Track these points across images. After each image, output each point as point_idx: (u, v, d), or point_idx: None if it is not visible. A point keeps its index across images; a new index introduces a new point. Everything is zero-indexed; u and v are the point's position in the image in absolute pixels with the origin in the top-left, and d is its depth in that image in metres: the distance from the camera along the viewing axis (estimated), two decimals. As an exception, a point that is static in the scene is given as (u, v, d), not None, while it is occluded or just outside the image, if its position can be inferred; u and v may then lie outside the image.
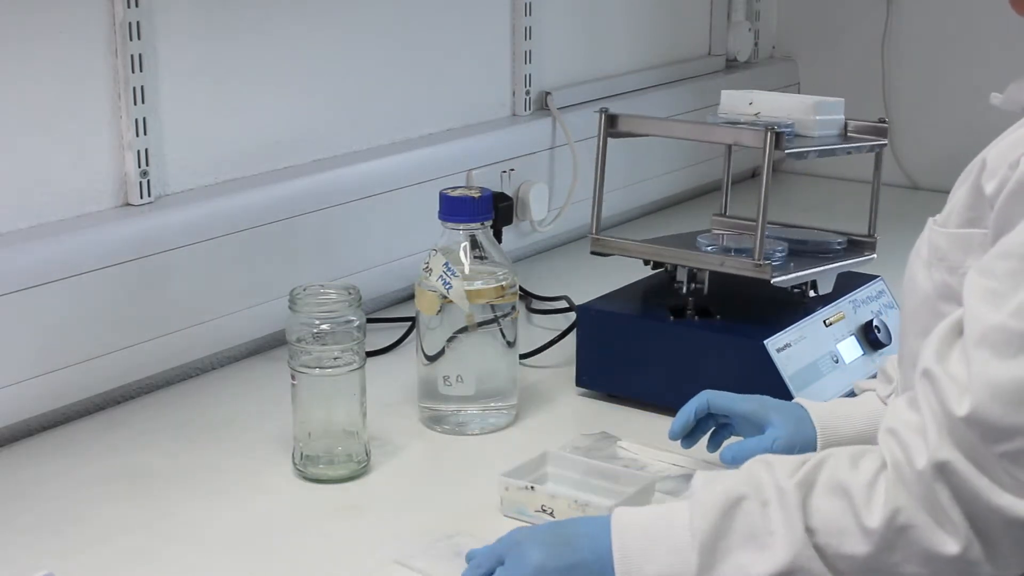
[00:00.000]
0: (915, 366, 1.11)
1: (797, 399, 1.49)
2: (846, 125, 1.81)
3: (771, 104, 1.80)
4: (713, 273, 1.69)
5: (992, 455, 1.02)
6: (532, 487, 1.40)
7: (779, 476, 1.11)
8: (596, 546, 1.16)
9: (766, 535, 1.09)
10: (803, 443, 1.39)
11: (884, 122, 1.81)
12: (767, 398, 1.47)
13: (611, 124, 1.75)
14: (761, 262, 1.63)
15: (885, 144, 1.80)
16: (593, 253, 1.76)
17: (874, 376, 1.51)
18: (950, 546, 1.04)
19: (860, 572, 1.08)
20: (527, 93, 2.34)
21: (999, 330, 1.02)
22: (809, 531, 1.08)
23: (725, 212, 1.91)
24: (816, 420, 1.43)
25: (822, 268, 1.73)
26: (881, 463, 1.08)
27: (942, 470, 1.04)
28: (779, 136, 1.62)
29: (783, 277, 1.65)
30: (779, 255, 1.70)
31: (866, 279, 1.82)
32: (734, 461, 1.39)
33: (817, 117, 1.76)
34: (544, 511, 1.39)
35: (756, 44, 2.93)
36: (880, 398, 1.44)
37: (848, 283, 1.79)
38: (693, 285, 1.69)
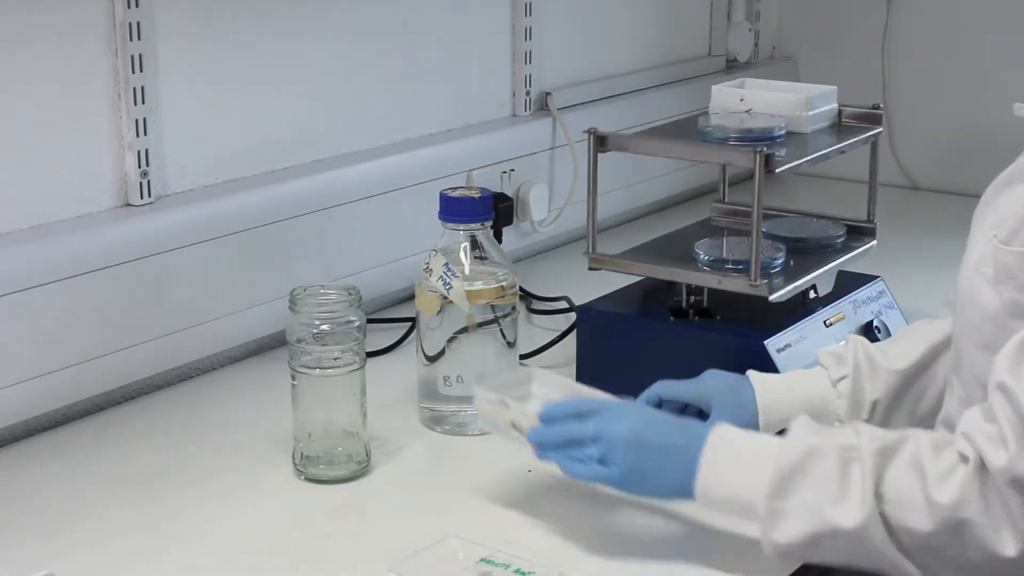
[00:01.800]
0: (978, 379, 1.18)
1: (749, 372, 1.51)
2: (840, 114, 1.81)
3: (762, 100, 1.80)
4: (713, 276, 1.69)
5: None
6: (505, 402, 1.39)
7: (863, 441, 1.18)
8: (689, 440, 1.26)
9: (840, 488, 1.17)
10: (744, 426, 1.41)
11: (878, 108, 1.81)
12: (714, 381, 1.50)
13: (601, 143, 1.74)
14: (757, 282, 1.63)
15: (880, 131, 1.80)
16: (591, 269, 1.77)
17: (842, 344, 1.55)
18: (1009, 548, 1.10)
19: (920, 549, 1.14)
20: (527, 93, 2.34)
21: None
22: (878, 496, 1.14)
23: (724, 199, 1.92)
24: (759, 400, 1.47)
25: (822, 270, 1.73)
26: (960, 457, 1.14)
27: (1018, 480, 1.09)
28: (768, 157, 1.61)
29: (781, 292, 1.65)
30: (778, 262, 1.69)
31: (866, 279, 1.82)
32: None
33: (809, 112, 1.76)
34: (515, 427, 1.38)
35: (756, 44, 2.93)
36: (831, 380, 1.49)
37: (848, 283, 1.79)
38: (692, 298, 1.70)
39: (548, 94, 2.37)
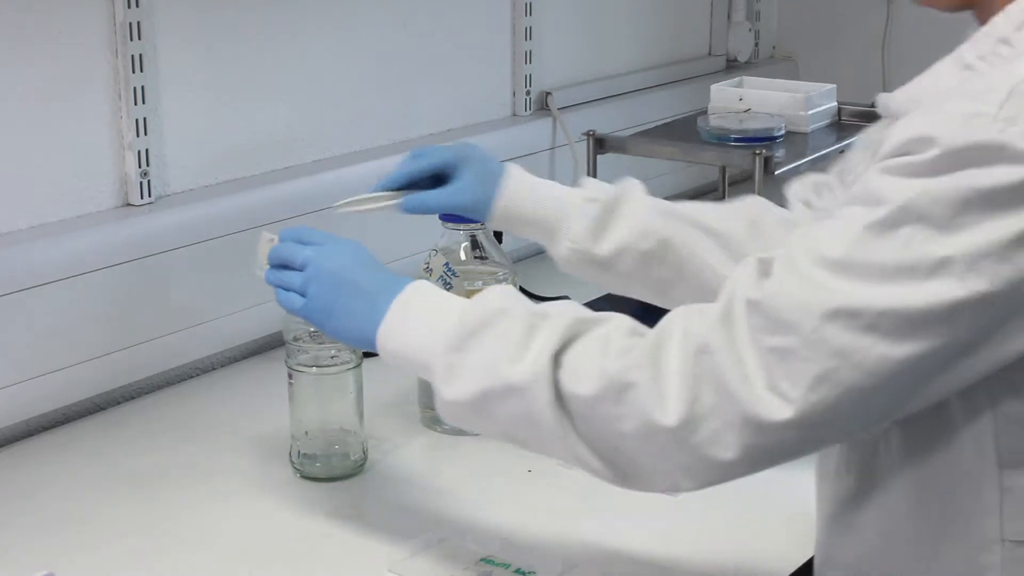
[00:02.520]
0: None
1: (508, 163, 1.46)
2: (839, 112, 1.81)
3: (761, 99, 1.80)
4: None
5: (762, 347, 0.99)
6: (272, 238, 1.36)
7: (562, 311, 1.12)
8: (384, 288, 1.21)
9: (520, 348, 1.09)
10: (482, 207, 1.39)
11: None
12: (472, 153, 1.45)
13: (599, 145, 1.74)
14: None
15: None
16: None
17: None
18: (670, 417, 1.02)
19: (583, 418, 1.07)
20: (527, 93, 2.34)
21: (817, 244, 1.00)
22: (556, 362, 1.08)
23: (724, 199, 1.92)
24: (502, 187, 1.42)
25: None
26: (658, 332, 1.07)
27: (704, 349, 1.02)
28: (768, 159, 1.61)
29: None
30: None
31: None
32: (412, 211, 1.43)
33: (808, 112, 1.76)
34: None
35: (756, 44, 2.93)
36: (582, 198, 1.42)
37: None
38: None
39: (548, 94, 2.37)
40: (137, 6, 1.71)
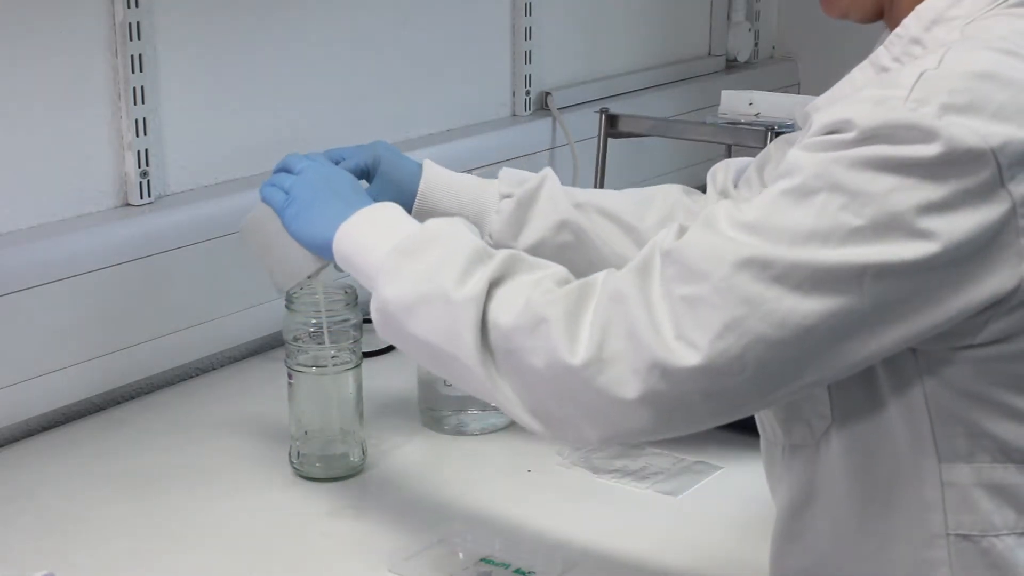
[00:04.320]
0: None
1: (426, 160, 1.48)
2: None
3: (771, 104, 1.80)
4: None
5: (674, 296, 1.00)
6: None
7: (509, 251, 1.13)
8: (356, 201, 1.26)
9: (465, 270, 1.11)
10: (403, 207, 1.38)
11: None
12: (386, 154, 1.46)
13: (611, 124, 1.74)
14: None
15: None
16: None
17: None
18: (578, 356, 1.02)
19: (498, 350, 1.08)
20: (527, 93, 2.34)
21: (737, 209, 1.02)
22: (490, 292, 1.09)
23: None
24: (422, 191, 1.46)
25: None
26: (583, 280, 1.08)
27: (617, 296, 1.03)
28: (780, 136, 1.62)
29: None
30: None
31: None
32: None
33: None
34: None
35: (756, 44, 2.93)
36: (498, 193, 1.46)
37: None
38: None
39: (548, 94, 2.37)
40: (137, 6, 1.71)
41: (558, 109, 2.36)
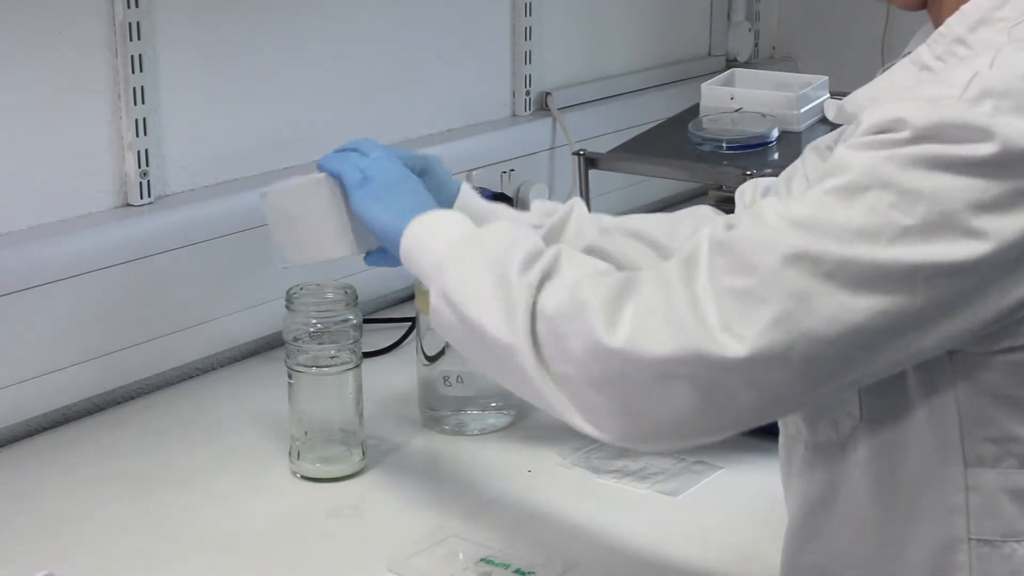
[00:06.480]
0: None
1: (464, 184, 1.47)
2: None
3: (752, 99, 1.79)
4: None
5: (721, 287, 0.99)
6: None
7: (568, 247, 1.14)
8: (432, 201, 1.28)
9: (528, 254, 1.11)
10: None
11: None
12: (438, 167, 1.44)
13: (591, 165, 1.73)
14: None
15: None
16: None
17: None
18: (618, 339, 1.02)
19: (544, 334, 1.07)
20: (527, 93, 2.34)
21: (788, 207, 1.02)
22: (546, 278, 1.09)
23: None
24: (456, 206, 1.43)
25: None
26: (632, 272, 1.08)
27: (664, 285, 1.03)
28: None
29: None
30: None
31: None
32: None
33: (800, 110, 1.76)
34: None
35: (756, 44, 2.93)
36: (529, 224, 1.43)
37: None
38: None
39: (548, 94, 2.37)
40: (137, 6, 1.71)
41: (558, 109, 2.36)
